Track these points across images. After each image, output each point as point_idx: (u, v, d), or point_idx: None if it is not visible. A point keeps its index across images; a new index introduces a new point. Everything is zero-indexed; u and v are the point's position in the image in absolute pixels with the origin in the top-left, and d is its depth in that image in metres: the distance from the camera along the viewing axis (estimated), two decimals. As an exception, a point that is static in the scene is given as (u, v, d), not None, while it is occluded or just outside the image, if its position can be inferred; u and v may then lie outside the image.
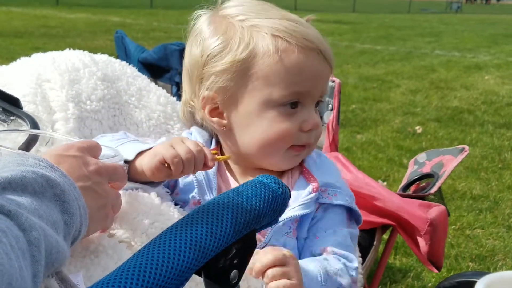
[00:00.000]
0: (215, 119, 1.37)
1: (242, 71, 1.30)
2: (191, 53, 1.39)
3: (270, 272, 1.10)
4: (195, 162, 1.20)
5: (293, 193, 1.34)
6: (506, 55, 14.00)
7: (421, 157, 2.17)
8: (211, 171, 1.37)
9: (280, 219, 1.15)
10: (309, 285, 1.19)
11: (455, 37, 18.83)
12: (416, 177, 2.05)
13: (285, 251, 1.15)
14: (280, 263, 1.11)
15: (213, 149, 1.40)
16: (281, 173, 1.43)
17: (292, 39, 1.29)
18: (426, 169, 2.05)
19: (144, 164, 1.23)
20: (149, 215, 1.19)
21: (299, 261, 1.19)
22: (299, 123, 1.33)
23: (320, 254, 1.33)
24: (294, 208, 1.33)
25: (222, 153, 1.45)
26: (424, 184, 2.02)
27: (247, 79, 1.30)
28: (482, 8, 55.70)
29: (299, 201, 1.34)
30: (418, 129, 6.42)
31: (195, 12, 1.43)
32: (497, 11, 47.44)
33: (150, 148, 1.26)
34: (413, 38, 17.69)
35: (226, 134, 1.40)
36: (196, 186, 1.37)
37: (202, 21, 1.40)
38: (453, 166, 1.92)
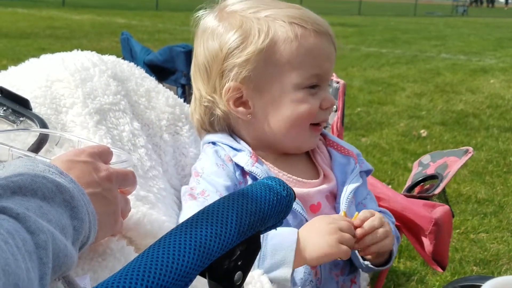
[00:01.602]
0: (239, 109, 1.43)
1: (265, 59, 1.37)
2: (208, 49, 1.43)
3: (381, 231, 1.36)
4: None
5: (335, 163, 1.53)
6: (511, 58, 13.97)
7: (426, 158, 2.17)
8: (249, 163, 1.40)
9: (347, 191, 1.46)
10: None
11: (461, 40, 18.80)
12: (420, 179, 2.05)
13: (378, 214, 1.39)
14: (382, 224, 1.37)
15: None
16: (312, 152, 1.55)
17: (307, 25, 1.39)
18: (430, 171, 2.05)
19: None
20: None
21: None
22: (319, 102, 1.42)
23: None
24: (354, 178, 1.50)
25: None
26: (428, 185, 2.02)
27: (270, 66, 1.38)
28: (488, 11, 55.61)
29: (352, 172, 1.51)
30: (423, 132, 6.41)
31: (197, 13, 1.50)
32: (503, 14, 47.35)
33: None
34: (418, 41, 17.67)
35: (250, 122, 1.45)
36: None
37: (210, 20, 1.46)
38: (457, 167, 1.92)
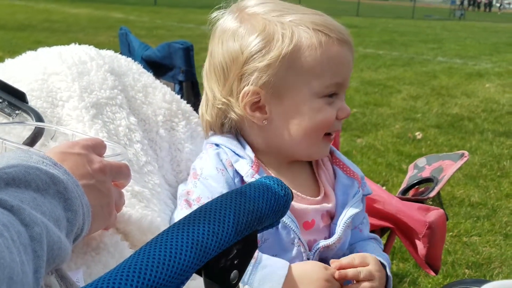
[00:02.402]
0: (256, 113, 1.40)
1: (287, 65, 1.34)
2: (228, 51, 1.39)
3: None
4: None
5: (338, 183, 1.50)
6: (507, 63, 14.01)
7: (421, 161, 2.17)
8: (249, 174, 1.38)
9: (347, 216, 1.44)
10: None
11: (458, 44, 18.84)
12: (415, 181, 2.05)
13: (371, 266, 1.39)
14: (371, 278, 1.38)
15: None
16: (316, 167, 1.53)
17: (331, 33, 1.36)
18: (425, 174, 2.05)
19: None
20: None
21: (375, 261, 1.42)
22: (336, 111, 1.40)
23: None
24: (356, 203, 1.48)
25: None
26: (423, 188, 2.02)
27: (292, 72, 1.35)
28: (485, 16, 55.71)
29: (353, 198, 1.49)
30: (418, 135, 6.42)
31: (214, 14, 1.47)
32: (500, 19, 47.45)
33: None
34: (415, 44, 17.71)
35: (264, 128, 1.42)
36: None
37: (231, 21, 1.42)
38: (453, 171, 1.93)
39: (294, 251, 1.39)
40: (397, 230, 1.82)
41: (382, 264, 1.44)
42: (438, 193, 1.92)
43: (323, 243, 1.41)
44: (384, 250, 1.89)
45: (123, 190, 1.14)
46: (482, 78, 11.27)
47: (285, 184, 0.80)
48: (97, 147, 1.06)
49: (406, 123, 7.00)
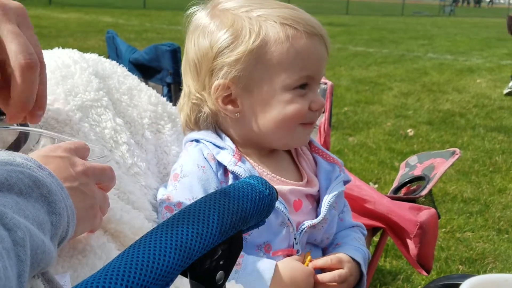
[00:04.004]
0: (228, 106, 1.43)
1: (255, 60, 1.37)
2: (199, 47, 1.43)
3: None
4: None
5: (320, 169, 1.54)
6: (498, 58, 14.06)
7: (413, 159, 2.17)
8: (232, 162, 1.40)
9: (330, 195, 1.48)
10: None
11: (448, 40, 18.89)
12: (407, 180, 2.05)
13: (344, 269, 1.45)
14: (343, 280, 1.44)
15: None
16: (297, 155, 1.57)
17: (299, 26, 1.38)
18: (417, 172, 2.05)
19: None
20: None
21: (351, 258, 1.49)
22: (308, 104, 1.42)
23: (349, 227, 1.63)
24: (337, 185, 1.52)
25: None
26: (415, 186, 2.03)
27: (260, 67, 1.38)
28: (475, 11, 55.88)
29: (336, 179, 1.53)
30: (410, 132, 6.43)
31: (190, 9, 1.49)
32: (490, 14, 47.60)
33: None
34: (406, 41, 17.74)
35: (238, 120, 1.45)
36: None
37: (202, 16, 1.46)
38: (444, 169, 1.93)
39: (284, 232, 1.42)
40: (388, 230, 1.82)
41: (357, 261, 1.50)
42: (430, 191, 1.92)
43: (308, 222, 1.44)
44: (376, 250, 1.90)
45: (109, 193, 1.14)
46: (473, 74, 11.31)
47: (269, 184, 0.80)
48: (80, 150, 1.05)
49: (398, 120, 7.02)
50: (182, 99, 1.53)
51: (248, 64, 1.37)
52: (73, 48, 1.58)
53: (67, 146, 1.02)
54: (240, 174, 1.39)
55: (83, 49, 1.59)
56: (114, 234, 1.16)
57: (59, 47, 1.57)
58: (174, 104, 1.65)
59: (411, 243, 1.74)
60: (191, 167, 1.40)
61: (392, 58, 13.15)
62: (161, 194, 1.41)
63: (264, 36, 1.36)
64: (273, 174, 1.46)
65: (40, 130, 1.25)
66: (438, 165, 1.98)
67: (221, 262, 0.73)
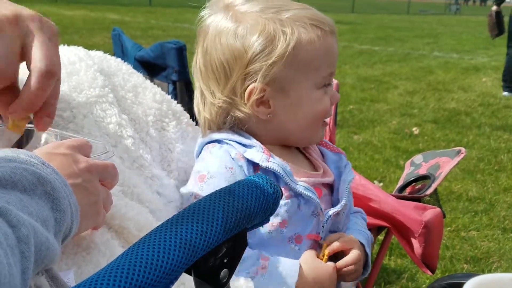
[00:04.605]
0: (260, 108, 1.44)
1: (290, 62, 1.39)
2: (229, 51, 1.41)
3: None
4: None
5: (328, 160, 1.59)
6: (504, 57, 13.97)
7: (418, 158, 2.17)
8: (264, 159, 1.42)
9: (346, 182, 1.52)
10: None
11: (454, 38, 18.86)
12: (412, 179, 2.05)
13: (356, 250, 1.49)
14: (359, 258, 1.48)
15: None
16: (307, 150, 1.60)
17: (325, 26, 1.43)
18: (422, 171, 2.05)
19: None
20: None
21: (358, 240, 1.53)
22: (330, 98, 1.48)
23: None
24: (349, 171, 1.57)
25: None
26: (420, 185, 2.03)
27: (295, 68, 1.40)
28: (481, 10, 55.71)
29: (346, 167, 1.58)
30: (415, 130, 6.43)
31: (204, 12, 1.48)
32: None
33: None
34: (411, 39, 17.72)
35: (269, 121, 1.46)
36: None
37: (221, 20, 1.44)
38: (450, 168, 1.93)
39: (314, 222, 1.45)
40: (393, 229, 1.82)
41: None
42: (435, 190, 1.92)
43: (333, 210, 1.48)
44: (381, 249, 1.90)
45: (113, 189, 1.14)
46: (478, 72, 11.29)
47: (274, 182, 0.80)
48: (83, 148, 1.05)
49: (403, 118, 7.01)
50: (200, 102, 1.51)
51: (284, 67, 1.39)
52: (78, 45, 1.58)
53: (70, 144, 1.03)
54: (275, 169, 1.40)
55: (89, 46, 1.59)
56: (118, 231, 1.16)
57: (64, 44, 1.57)
58: (179, 102, 1.64)
59: (415, 242, 1.74)
60: (219, 169, 1.41)
61: (397, 56, 13.13)
62: (186, 194, 1.42)
63: (297, 38, 1.39)
64: (298, 167, 1.48)
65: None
66: (444, 164, 1.98)
67: (225, 260, 0.73)
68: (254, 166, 1.42)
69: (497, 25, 9.13)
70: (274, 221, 1.39)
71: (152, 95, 1.55)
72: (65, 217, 0.86)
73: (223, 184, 1.38)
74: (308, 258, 1.42)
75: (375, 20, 27.03)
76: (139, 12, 21.70)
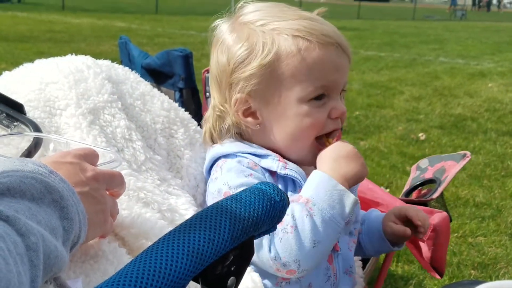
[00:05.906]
0: (248, 119, 1.45)
1: (269, 73, 1.38)
2: (218, 61, 1.45)
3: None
4: None
5: None
6: (510, 62, 13.98)
7: (423, 163, 2.17)
8: (281, 166, 1.42)
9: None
10: None
11: (459, 44, 18.82)
12: (418, 183, 2.05)
13: None
14: None
15: None
16: None
17: (312, 37, 1.38)
18: (428, 175, 2.05)
19: None
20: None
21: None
22: (328, 112, 1.42)
23: None
24: None
25: None
26: (426, 190, 2.02)
27: (275, 80, 1.39)
28: (487, 15, 55.65)
29: None
30: (421, 136, 6.41)
31: (215, 21, 1.51)
32: (501, 18, 47.40)
33: None
34: (417, 45, 17.69)
35: (260, 131, 1.47)
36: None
37: (224, 30, 1.47)
38: (455, 172, 1.92)
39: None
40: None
41: None
42: (441, 194, 1.92)
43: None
44: (388, 254, 1.90)
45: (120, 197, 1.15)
46: (484, 78, 11.25)
47: (281, 190, 0.80)
48: (89, 156, 1.06)
49: (409, 124, 6.99)
50: (209, 110, 1.55)
51: (263, 78, 1.38)
52: (85, 53, 1.60)
53: (76, 152, 1.03)
54: (294, 176, 1.41)
55: (96, 54, 1.61)
56: (125, 239, 1.17)
57: (72, 52, 1.59)
58: (186, 109, 1.66)
59: (424, 246, 1.73)
60: (240, 180, 1.40)
61: (403, 62, 13.11)
62: None
63: (276, 50, 1.37)
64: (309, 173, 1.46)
65: (50, 135, 1.26)
66: (449, 167, 1.98)
67: (232, 268, 0.73)
68: (271, 172, 1.43)
69: None
70: None
71: (160, 103, 1.56)
72: (73, 225, 0.87)
73: None
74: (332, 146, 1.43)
75: (381, 26, 27.01)
76: (145, 19, 21.74)
